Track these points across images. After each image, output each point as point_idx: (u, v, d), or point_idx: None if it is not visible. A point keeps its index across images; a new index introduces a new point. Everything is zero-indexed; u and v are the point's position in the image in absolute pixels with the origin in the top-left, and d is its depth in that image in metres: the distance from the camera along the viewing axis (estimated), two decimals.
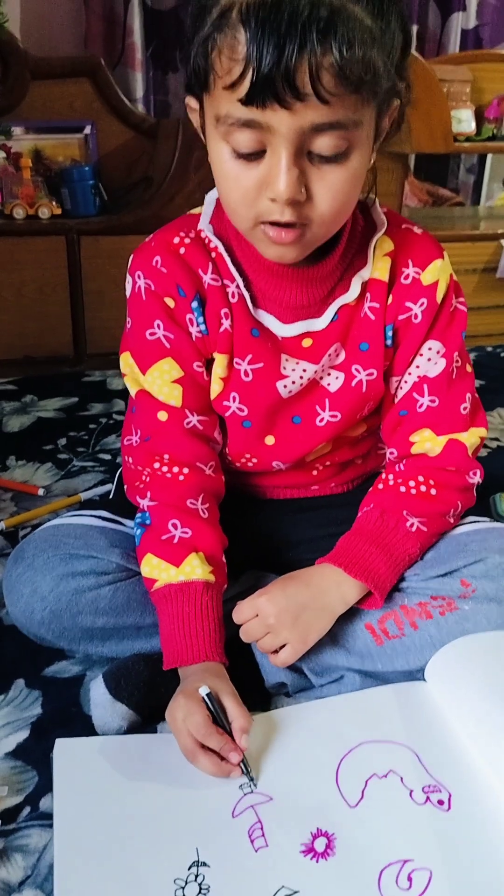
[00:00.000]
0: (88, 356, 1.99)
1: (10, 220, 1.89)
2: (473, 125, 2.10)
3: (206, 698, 0.74)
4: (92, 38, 2.18)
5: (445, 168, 3.24)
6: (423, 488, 0.88)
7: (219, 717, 0.74)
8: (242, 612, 0.83)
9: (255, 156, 0.69)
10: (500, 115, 2.12)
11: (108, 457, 1.52)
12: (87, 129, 1.98)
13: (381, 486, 0.91)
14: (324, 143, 0.67)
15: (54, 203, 1.91)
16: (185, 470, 0.86)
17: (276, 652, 0.83)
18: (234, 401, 0.88)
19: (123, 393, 1.84)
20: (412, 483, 0.89)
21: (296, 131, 0.66)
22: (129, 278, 0.87)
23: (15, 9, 2.03)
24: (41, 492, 1.36)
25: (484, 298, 2.12)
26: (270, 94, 0.63)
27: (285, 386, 0.88)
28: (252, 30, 0.62)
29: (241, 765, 0.74)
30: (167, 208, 1.91)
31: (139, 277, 0.85)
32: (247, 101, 0.65)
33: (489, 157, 3.16)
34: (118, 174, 2.03)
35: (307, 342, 0.86)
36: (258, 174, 0.70)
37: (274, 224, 0.72)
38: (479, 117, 2.14)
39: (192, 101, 0.75)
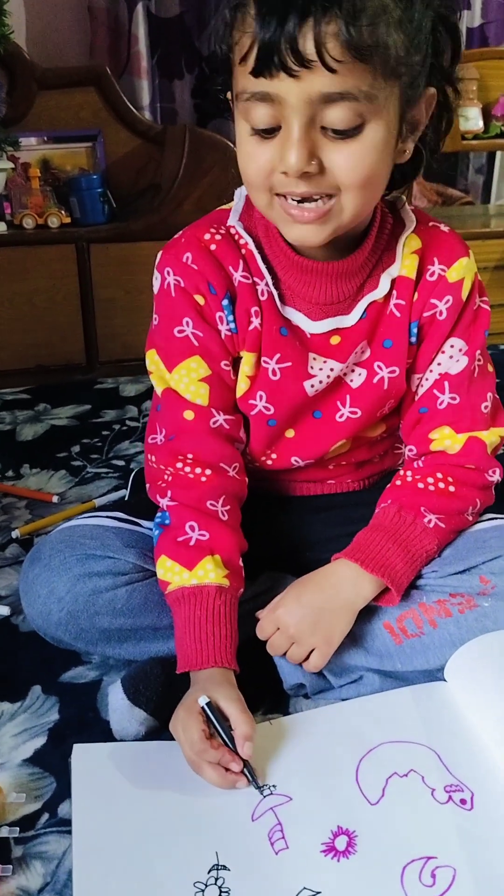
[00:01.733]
0: (100, 363, 2.00)
1: (20, 230, 1.90)
2: (481, 123, 2.10)
3: (205, 708, 0.74)
4: (97, 47, 2.19)
5: (454, 169, 3.23)
6: (441, 485, 0.87)
7: (218, 728, 0.73)
8: (264, 628, 0.84)
9: (271, 133, 0.70)
10: None
11: (121, 463, 1.51)
12: (95, 138, 1.99)
13: (398, 482, 0.90)
14: (335, 116, 0.67)
15: (63, 212, 1.92)
16: (208, 471, 0.86)
17: (306, 659, 0.83)
18: (260, 399, 0.88)
19: (136, 399, 1.85)
20: (430, 480, 0.88)
21: (304, 101, 0.66)
22: (157, 274, 0.87)
23: (20, 20, 2.04)
24: (55, 499, 1.36)
25: (496, 296, 2.09)
26: (276, 62, 0.64)
27: (312, 385, 0.87)
28: (260, 1, 0.64)
29: (245, 772, 0.73)
30: (175, 214, 1.92)
31: (168, 273, 0.85)
32: (256, 71, 0.66)
33: (498, 155, 3.14)
34: (126, 182, 2.04)
35: (335, 339, 0.86)
36: (273, 148, 0.70)
37: (291, 198, 0.72)
38: (487, 115, 2.13)
39: (229, 95, 0.76)
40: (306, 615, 0.81)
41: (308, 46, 0.63)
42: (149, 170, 2.04)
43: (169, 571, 0.81)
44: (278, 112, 0.68)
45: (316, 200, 0.72)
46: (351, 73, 0.65)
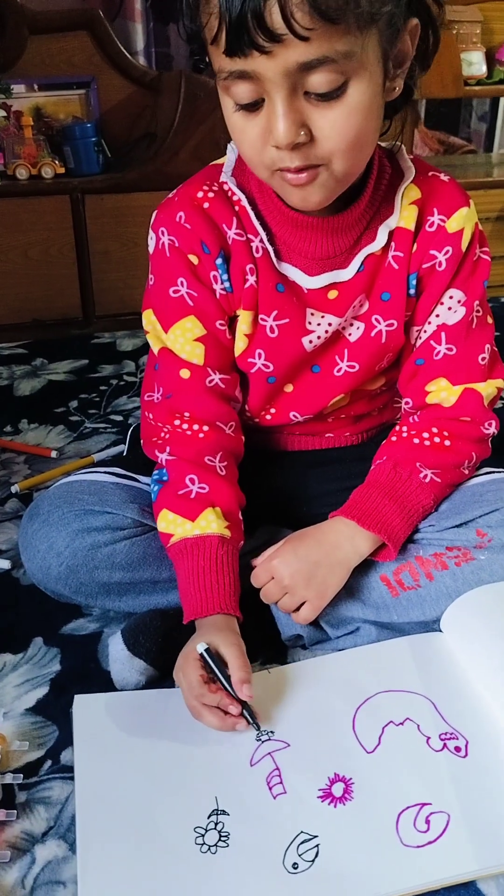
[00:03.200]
0: (97, 318, 1.98)
1: (13, 181, 1.86)
2: (484, 68, 2.05)
3: (204, 654, 0.75)
4: None
5: (457, 117, 3.16)
6: (436, 440, 0.87)
7: (216, 673, 0.74)
8: (258, 576, 0.84)
9: (255, 106, 0.69)
10: None
11: (119, 418, 1.51)
12: (89, 85, 1.94)
13: (394, 438, 0.90)
14: (316, 81, 0.66)
15: (57, 162, 1.88)
16: (205, 428, 0.86)
17: (297, 610, 0.83)
18: (259, 357, 0.87)
19: (133, 354, 1.84)
20: (426, 434, 0.88)
21: (283, 74, 0.65)
22: (151, 234, 0.86)
23: None
24: (54, 454, 1.36)
25: (498, 248, 2.08)
26: (246, 41, 0.63)
27: (311, 341, 0.87)
28: None
29: (244, 714, 0.74)
30: (171, 164, 1.88)
31: (163, 234, 0.84)
32: (228, 52, 0.65)
33: (502, 103, 3.07)
34: (121, 130, 1.99)
35: (333, 294, 0.85)
36: (260, 123, 0.69)
37: (287, 170, 0.71)
38: (490, 60, 2.07)
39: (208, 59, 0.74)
40: (301, 568, 0.82)
41: (276, 21, 0.61)
42: (144, 118, 1.99)
43: (171, 524, 0.82)
44: (259, 86, 0.67)
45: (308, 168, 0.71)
46: (324, 37, 0.63)
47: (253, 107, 0.69)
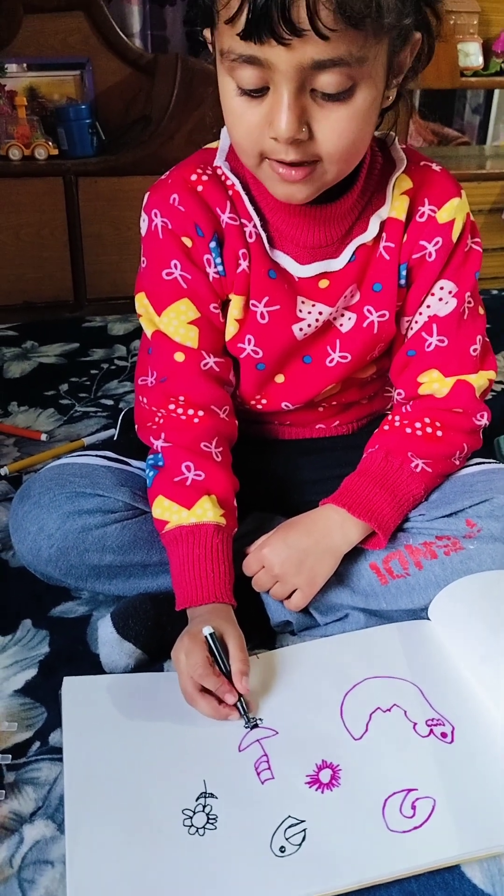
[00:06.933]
0: (88, 301, 1.97)
1: (6, 161, 1.84)
2: (481, 59, 2.03)
3: (208, 638, 0.75)
4: None
5: (451, 108, 3.16)
6: (429, 430, 0.88)
7: (219, 658, 0.75)
8: (249, 564, 0.85)
9: (259, 92, 0.68)
10: None
11: (110, 402, 1.51)
12: (84, 66, 1.92)
13: (386, 427, 0.90)
14: (326, 81, 0.65)
15: (51, 143, 1.86)
16: (200, 412, 0.86)
17: (289, 598, 0.84)
18: (249, 343, 0.87)
19: (124, 338, 1.83)
20: (418, 424, 0.88)
21: (295, 68, 0.64)
22: (144, 216, 0.86)
23: None
24: (44, 437, 1.36)
25: (490, 240, 2.07)
26: (267, 29, 0.62)
27: (301, 329, 0.87)
28: None
29: (238, 706, 0.74)
30: (166, 147, 1.87)
31: (156, 216, 0.84)
32: (244, 36, 0.64)
33: (496, 96, 3.07)
34: (115, 113, 1.97)
35: (324, 283, 0.85)
36: (261, 111, 0.69)
37: (281, 162, 0.71)
38: (487, 51, 2.07)
39: (206, 33, 0.73)
40: (291, 556, 0.83)
41: (301, 15, 0.61)
42: (139, 101, 1.97)
43: (167, 511, 0.82)
44: (267, 75, 0.66)
45: (303, 164, 0.71)
46: (343, 39, 0.63)
47: (256, 93, 0.68)
